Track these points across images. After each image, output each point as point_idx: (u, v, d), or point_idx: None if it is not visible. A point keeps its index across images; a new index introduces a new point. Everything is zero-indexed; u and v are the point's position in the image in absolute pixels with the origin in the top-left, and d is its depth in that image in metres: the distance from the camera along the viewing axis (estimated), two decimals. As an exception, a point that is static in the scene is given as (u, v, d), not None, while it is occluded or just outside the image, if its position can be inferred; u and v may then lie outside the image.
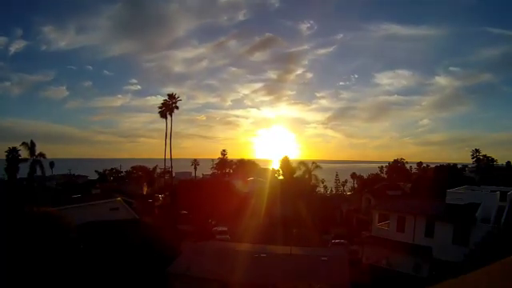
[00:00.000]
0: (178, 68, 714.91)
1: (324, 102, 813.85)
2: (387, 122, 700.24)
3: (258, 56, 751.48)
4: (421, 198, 36.88)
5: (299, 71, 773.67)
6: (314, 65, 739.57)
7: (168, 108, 52.26)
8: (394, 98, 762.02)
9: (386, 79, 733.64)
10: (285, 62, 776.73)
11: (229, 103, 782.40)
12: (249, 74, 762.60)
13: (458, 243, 23.94)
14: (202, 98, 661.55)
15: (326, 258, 22.04)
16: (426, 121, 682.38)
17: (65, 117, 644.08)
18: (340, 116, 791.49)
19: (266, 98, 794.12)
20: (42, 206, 23.25)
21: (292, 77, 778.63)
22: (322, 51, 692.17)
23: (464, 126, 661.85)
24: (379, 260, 27.21)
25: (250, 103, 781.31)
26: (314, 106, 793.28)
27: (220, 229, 39.18)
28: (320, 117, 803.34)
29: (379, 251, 27.64)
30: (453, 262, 20.82)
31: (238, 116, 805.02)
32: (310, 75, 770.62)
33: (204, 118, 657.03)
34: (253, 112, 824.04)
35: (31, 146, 51.30)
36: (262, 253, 23.21)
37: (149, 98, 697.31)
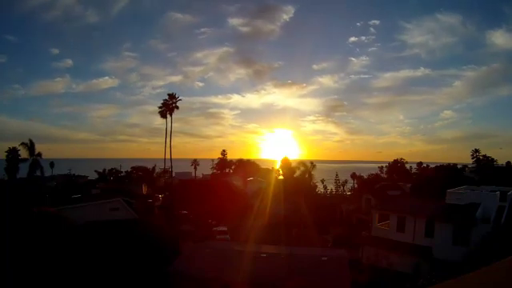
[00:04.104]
0: (93, 18, 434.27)
1: (325, 81, 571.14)
2: (401, 114, 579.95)
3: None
4: (421, 198, 36.87)
5: (283, 14, 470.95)
6: None
7: (168, 108, 52.23)
8: (420, 72, 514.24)
9: (419, 33, 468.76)
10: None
11: (197, 84, 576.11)
12: (203, 24, 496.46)
13: (458, 243, 23.96)
14: (160, 78, 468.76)
15: (325, 258, 22.02)
16: (448, 112, 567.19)
17: (16, 109, 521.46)
18: (345, 101, 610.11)
19: (242, 73, 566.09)
20: (42, 206, 23.29)
21: (272, 29, 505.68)
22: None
23: (493, 117, 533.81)
24: (379, 260, 27.20)
25: (225, 83, 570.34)
26: (311, 88, 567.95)
27: (220, 229, 39.17)
28: (319, 104, 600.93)
29: (379, 251, 27.63)
30: (453, 261, 20.84)
31: (218, 106, 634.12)
32: (300, 23, 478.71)
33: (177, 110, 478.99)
34: (235, 100, 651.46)
35: (31, 146, 51.32)
36: (262, 253, 23.18)
37: (95, 80, 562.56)
